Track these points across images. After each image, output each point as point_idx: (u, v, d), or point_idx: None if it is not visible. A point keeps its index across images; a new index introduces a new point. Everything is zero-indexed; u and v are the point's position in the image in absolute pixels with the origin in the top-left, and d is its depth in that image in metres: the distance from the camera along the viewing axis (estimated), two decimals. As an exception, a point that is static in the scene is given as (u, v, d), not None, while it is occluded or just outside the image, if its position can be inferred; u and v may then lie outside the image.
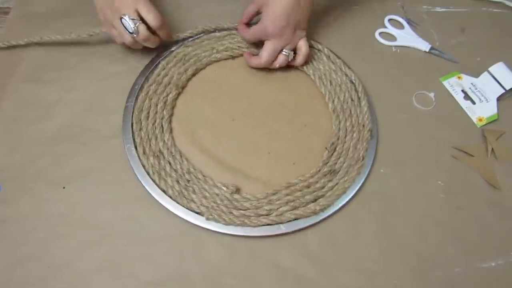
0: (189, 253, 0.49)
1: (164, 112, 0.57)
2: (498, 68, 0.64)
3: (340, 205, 0.52)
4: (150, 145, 0.54)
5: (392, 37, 0.68)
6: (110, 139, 0.55)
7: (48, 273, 0.46)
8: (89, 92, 0.58)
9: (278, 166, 0.55)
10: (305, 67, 0.62)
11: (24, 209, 0.50)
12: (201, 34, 0.64)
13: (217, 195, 0.52)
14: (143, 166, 0.53)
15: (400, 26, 0.70)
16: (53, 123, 0.56)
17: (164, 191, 0.51)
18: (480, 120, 0.61)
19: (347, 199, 0.53)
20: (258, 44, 0.61)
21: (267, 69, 0.61)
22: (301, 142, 0.57)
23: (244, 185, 0.53)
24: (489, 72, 0.64)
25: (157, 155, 0.54)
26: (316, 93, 0.61)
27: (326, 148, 0.56)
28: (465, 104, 0.62)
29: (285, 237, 0.50)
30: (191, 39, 0.63)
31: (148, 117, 0.56)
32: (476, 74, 0.64)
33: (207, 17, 0.66)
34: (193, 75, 0.61)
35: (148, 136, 0.55)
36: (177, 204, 0.51)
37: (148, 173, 0.52)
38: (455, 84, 0.64)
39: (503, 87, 0.63)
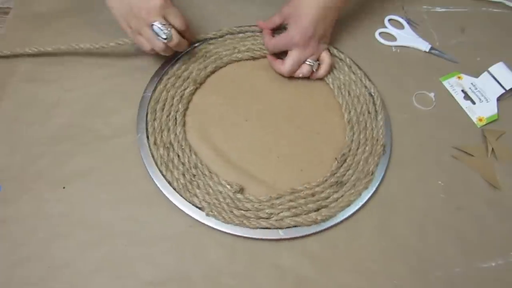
0: (189, 253, 0.49)
1: (180, 106, 0.57)
2: (498, 68, 0.64)
3: (343, 217, 0.51)
4: (161, 136, 0.55)
5: (392, 37, 0.68)
6: (110, 139, 0.55)
7: (48, 273, 0.46)
8: (89, 92, 0.58)
9: (285, 171, 0.55)
10: None
11: (24, 209, 0.50)
12: (226, 35, 0.64)
13: (221, 192, 0.52)
14: (152, 156, 0.53)
15: (400, 26, 0.70)
16: (53, 123, 0.56)
17: (169, 183, 0.52)
18: (480, 120, 0.61)
19: (350, 213, 0.52)
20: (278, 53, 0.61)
21: None
22: (311, 150, 0.57)
23: (249, 186, 0.53)
24: (489, 72, 0.64)
25: (167, 147, 0.54)
26: (333, 103, 0.61)
27: (336, 158, 0.55)
28: (465, 104, 0.62)
29: (283, 241, 0.50)
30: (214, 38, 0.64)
31: (163, 109, 0.57)
32: (476, 74, 0.64)
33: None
34: (213, 72, 0.62)
35: (161, 127, 0.55)
36: (180, 197, 0.51)
37: (156, 163, 0.53)
38: (455, 84, 0.64)
39: (503, 87, 0.63)
